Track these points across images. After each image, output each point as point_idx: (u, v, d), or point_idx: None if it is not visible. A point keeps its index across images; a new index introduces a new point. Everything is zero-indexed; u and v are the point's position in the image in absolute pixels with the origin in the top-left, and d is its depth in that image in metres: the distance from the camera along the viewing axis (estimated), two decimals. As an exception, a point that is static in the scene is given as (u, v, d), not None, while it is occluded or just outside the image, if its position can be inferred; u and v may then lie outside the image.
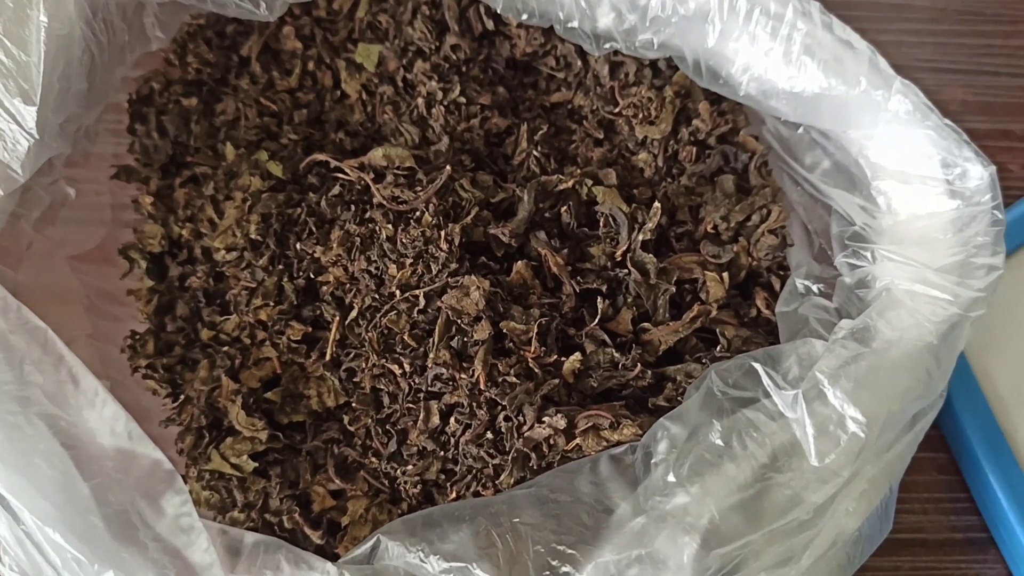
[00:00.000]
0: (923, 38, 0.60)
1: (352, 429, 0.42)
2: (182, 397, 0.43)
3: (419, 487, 0.40)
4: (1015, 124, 0.58)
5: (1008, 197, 0.54)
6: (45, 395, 0.36)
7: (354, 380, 0.42)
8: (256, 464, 0.41)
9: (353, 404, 0.42)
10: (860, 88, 0.42)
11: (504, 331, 0.40)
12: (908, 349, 0.37)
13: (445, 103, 0.47)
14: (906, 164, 0.42)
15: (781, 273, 0.45)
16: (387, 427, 0.41)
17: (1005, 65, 0.60)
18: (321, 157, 0.45)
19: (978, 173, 0.41)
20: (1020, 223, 0.53)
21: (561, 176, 0.45)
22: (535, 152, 0.47)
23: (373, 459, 0.41)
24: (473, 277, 0.40)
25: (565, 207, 0.45)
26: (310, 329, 0.43)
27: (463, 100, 0.47)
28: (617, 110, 0.48)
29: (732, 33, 0.44)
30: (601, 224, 0.44)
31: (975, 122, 0.58)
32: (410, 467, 0.40)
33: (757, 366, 0.37)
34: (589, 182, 0.45)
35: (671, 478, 0.34)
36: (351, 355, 0.42)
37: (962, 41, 0.60)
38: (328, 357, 0.42)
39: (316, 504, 0.41)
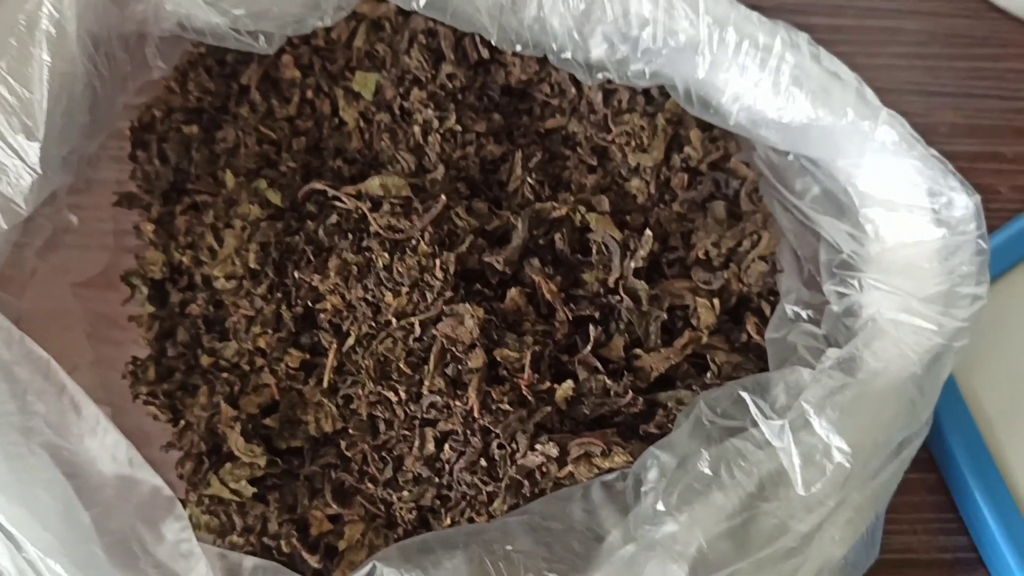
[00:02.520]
0: (913, 61, 0.61)
1: (349, 455, 0.42)
2: (183, 423, 0.44)
3: (414, 512, 0.41)
4: (1004, 147, 0.59)
5: (998, 219, 0.54)
6: (47, 425, 0.37)
7: (351, 406, 0.43)
8: (255, 489, 0.42)
9: (350, 430, 0.42)
10: (847, 118, 0.43)
11: (498, 359, 0.41)
12: (893, 379, 0.38)
13: (441, 131, 0.48)
14: (893, 193, 0.43)
15: (771, 299, 0.46)
16: (383, 453, 0.42)
17: (994, 88, 0.61)
18: (319, 186, 0.46)
19: (963, 202, 0.41)
20: (1009, 245, 0.54)
21: (555, 203, 0.46)
22: (529, 179, 0.47)
23: (369, 484, 0.42)
24: (467, 305, 0.41)
25: (559, 234, 0.45)
26: (308, 356, 0.44)
27: (459, 128, 0.48)
28: (610, 137, 0.49)
29: (722, 64, 0.44)
30: (594, 251, 0.45)
31: (965, 145, 0.59)
32: (405, 493, 0.41)
33: (745, 395, 0.38)
34: (583, 209, 0.46)
35: (660, 507, 0.35)
36: (348, 382, 0.43)
37: (952, 64, 0.61)
38: (326, 384, 0.43)
39: (314, 528, 0.42)
